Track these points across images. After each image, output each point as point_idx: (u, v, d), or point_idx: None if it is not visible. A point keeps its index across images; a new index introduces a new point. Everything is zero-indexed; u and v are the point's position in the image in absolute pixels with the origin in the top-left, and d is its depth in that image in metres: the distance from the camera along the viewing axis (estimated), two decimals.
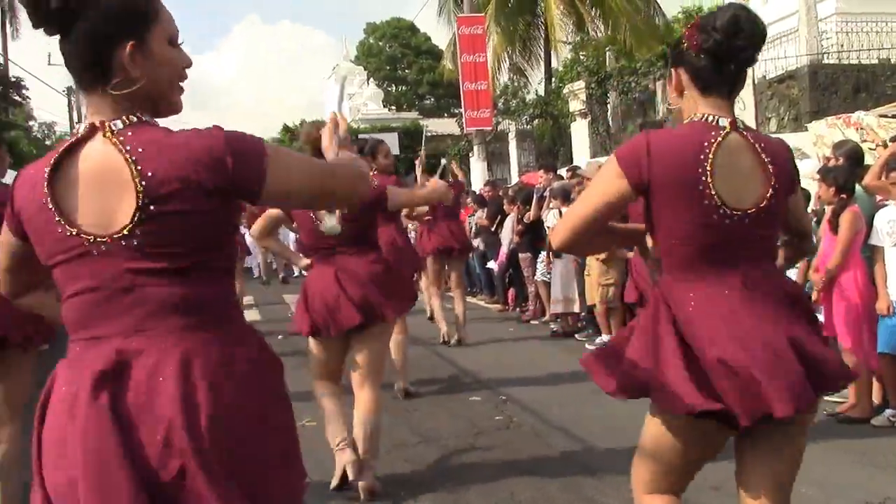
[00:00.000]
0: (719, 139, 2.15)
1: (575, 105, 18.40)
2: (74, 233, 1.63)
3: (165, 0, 1.78)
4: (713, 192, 2.12)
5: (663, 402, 2.14)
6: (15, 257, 1.83)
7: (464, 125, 18.97)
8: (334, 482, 4.22)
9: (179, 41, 1.78)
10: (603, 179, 2.23)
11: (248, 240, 15.37)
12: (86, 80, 1.68)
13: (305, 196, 1.89)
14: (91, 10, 1.61)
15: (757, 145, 2.20)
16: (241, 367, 1.69)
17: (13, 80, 32.80)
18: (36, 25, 1.64)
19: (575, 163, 15.96)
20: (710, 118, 2.21)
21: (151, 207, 1.60)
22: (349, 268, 4.15)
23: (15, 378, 3.64)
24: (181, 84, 1.80)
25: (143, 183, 1.60)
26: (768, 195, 2.17)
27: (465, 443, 5.12)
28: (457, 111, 26.36)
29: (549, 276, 9.26)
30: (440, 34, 32.48)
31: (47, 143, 39.65)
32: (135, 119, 1.67)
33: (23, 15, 34.78)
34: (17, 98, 34.00)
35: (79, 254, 1.64)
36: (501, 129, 21.18)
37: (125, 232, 1.61)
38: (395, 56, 48.81)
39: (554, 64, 24.17)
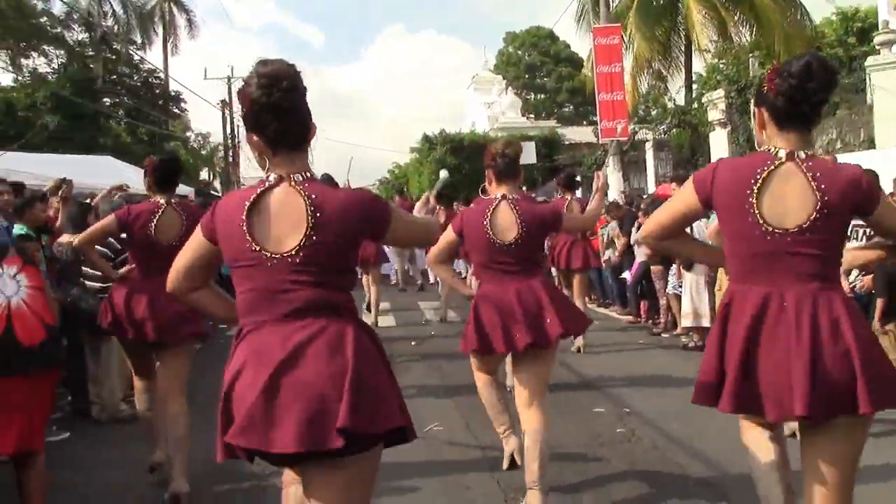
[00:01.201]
0: (772, 167, 2.52)
1: (714, 115, 17.99)
2: (257, 249, 2.31)
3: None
4: (757, 212, 2.50)
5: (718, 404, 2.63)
6: (200, 258, 2.51)
7: (599, 135, 18.86)
8: (505, 465, 4.62)
9: None
10: (681, 194, 2.76)
11: (387, 248, 15.92)
12: (291, 143, 2.38)
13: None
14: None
15: (810, 173, 2.50)
16: (366, 343, 2.38)
17: (172, 94, 34.99)
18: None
19: None
20: (772, 149, 2.58)
21: (314, 237, 2.29)
22: (525, 288, 4.26)
23: (178, 364, 4.64)
24: None
25: (313, 220, 2.29)
26: (812, 217, 2.48)
27: (585, 453, 5.24)
28: (595, 119, 26.23)
29: (680, 288, 9.19)
30: (580, 41, 32.41)
31: (203, 152, 41.95)
32: (308, 174, 2.39)
33: (182, 33, 37.08)
34: (175, 111, 36.21)
35: (255, 263, 2.32)
36: (639, 138, 20.94)
37: (292, 252, 2.30)
38: (533, 64, 48.95)
39: (696, 68, 23.69)
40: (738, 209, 2.55)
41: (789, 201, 2.50)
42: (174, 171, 4.89)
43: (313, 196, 2.31)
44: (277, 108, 2.31)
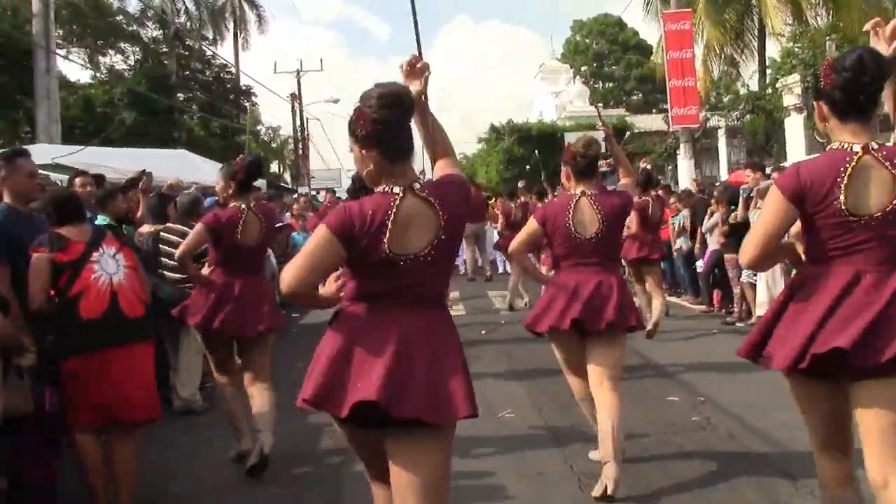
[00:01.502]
0: (853, 163, 2.66)
1: (790, 100, 17.56)
2: (389, 254, 2.53)
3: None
4: (844, 207, 2.64)
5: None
6: (330, 258, 2.58)
7: (670, 122, 18.56)
8: (597, 492, 4.23)
9: None
10: (772, 208, 2.79)
11: None
12: (405, 156, 2.66)
13: None
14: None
15: (887, 162, 2.67)
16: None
17: (243, 88, 35.60)
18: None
19: (789, 160, 15.28)
20: (846, 146, 2.71)
21: (442, 237, 2.60)
22: (605, 281, 4.41)
23: (262, 356, 5.03)
24: None
25: (441, 223, 2.59)
26: (894, 201, 2.64)
27: (660, 441, 5.20)
28: (664, 107, 25.81)
29: (755, 277, 9.02)
30: (649, 28, 31.93)
31: (273, 145, 42.68)
32: (421, 181, 2.66)
33: (252, 28, 37.70)
34: (246, 104, 36.85)
35: (388, 264, 2.54)
36: (711, 125, 20.54)
37: (423, 253, 2.57)
38: (601, 52, 48.41)
39: (770, 53, 23.13)
40: (827, 206, 2.68)
41: (872, 191, 2.66)
42: (256, 175, 5.22)
43: (436, 200, 2.61)
44: (397, 126, 2.59)
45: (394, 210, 2.55)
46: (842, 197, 2.64)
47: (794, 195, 2.72)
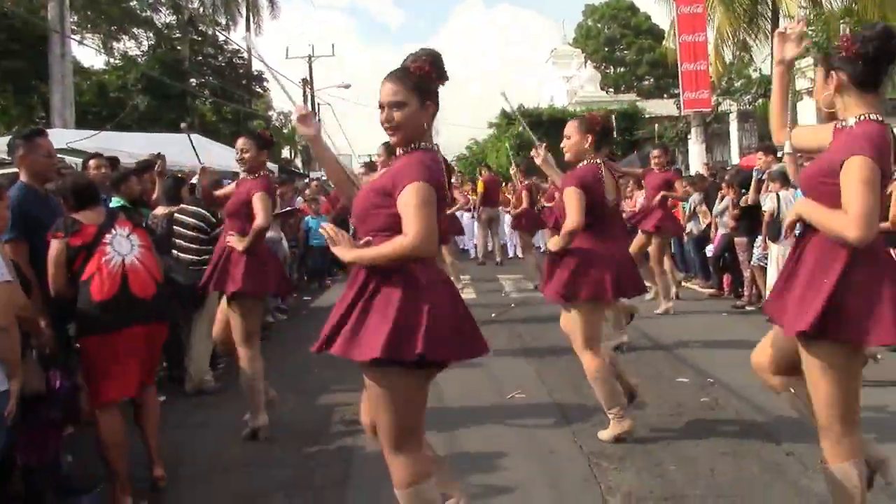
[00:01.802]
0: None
1: (802, 83, 17.46)
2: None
3: None
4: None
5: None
6: None
7: (681, 107, 18.50)
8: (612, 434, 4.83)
9: (379, 100, 2.95)
10: (871, 178, 2.70)
11: (465, 220, 15.96)
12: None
13: None
14: None
15: None
16: None
17: (255, 73, 35.60)
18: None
19: None
20: (874, 117, 2.81)
21: None
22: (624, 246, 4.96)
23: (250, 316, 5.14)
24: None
25: None
26: None
27: (668, 421, 5.24)
28: (676, 92, 25.70)
29: (765, 260, 9.02)
30: (661, 13, 31.74)
31: (284, 131, 42.66)
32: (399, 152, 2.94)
33: (264, 13, 37.65)
34: (258, 90, 36.84)
35: None
36: (722, 109, 20.46)
37: None
38: (613, 37, 48.15)
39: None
40: (887, 172, 2.80)
41: None
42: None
43: None
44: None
45: None
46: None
47: (885, 160, 2.76)
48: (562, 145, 4.95)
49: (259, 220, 5.02)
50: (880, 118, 2.80)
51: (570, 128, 4.88)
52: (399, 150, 2.96)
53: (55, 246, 4.17)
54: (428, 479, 2.94)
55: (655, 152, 10.05)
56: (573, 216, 4.65)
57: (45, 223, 4.31)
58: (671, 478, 4.26)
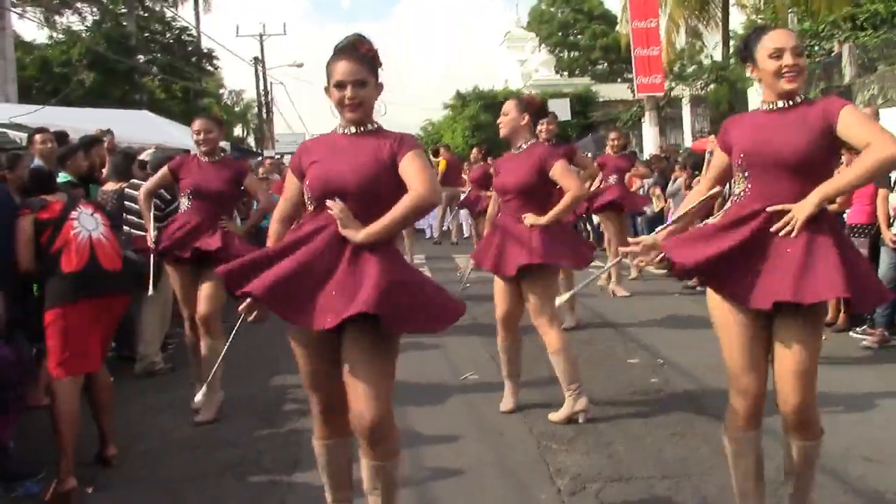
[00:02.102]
0: None
1: None
2: None
3: None
4: None
5: None
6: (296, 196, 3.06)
7: (635, 91, 18.64)
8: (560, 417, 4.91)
9: (339, 78, 2.94)
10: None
11: None
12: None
13: None
14: None
15: None
16: None
17: (205, 51, 35.01)
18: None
19: None
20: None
21: None
22: None
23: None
24: (343, 109, 2.97)
25: None
26: None
27: (618, 402, 5.29)
28: (629, 76, 25.86)
29: None
30: None
31: (236, 109, 42.13)
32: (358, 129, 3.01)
33: None
34: (209, 68, 36.23)
35: None
36: (675, 94, 20.68)
37: None
38: (567, 21, 48.20)
39: (733, 25, 23.25)
40: None
41: None
42: None
43: None
44: None
45: None
46: None
47: None
48: (498, 121, 5.10)
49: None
50: None
51: (509, 105, 5.04)
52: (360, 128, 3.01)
53: (25, 221, 4.29)
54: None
55: (613, 135, 10.11)
56: (575, 183, 4.90)
57: None
58: (620, 458, 4.30)
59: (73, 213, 4.38)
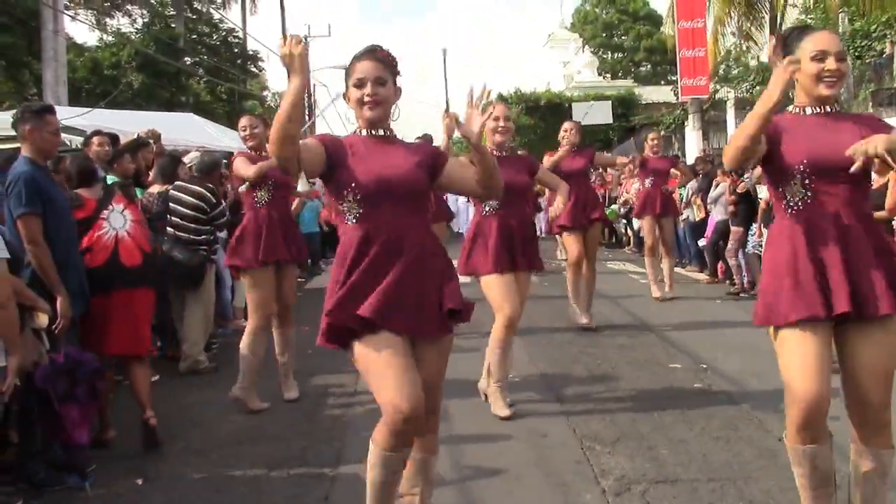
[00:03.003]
0: None
1: None
2: None
3: None
4: None
5: None
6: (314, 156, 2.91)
7: (679, 93, 18.45)
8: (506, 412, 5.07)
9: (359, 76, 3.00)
10: None
11: (461, 203, 15.90)
12: None
13: None
14: None
15: None
16: None
17: (251, 53, 35.38)
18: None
19: None
20: None
21: None
22: None
23: None
24: (363, 107, 2.99)
25: None
26: None
27: (662, 405, 5.26)
28: (673, 78, 25.64)
29: (761, 248, 9.04)
30: None
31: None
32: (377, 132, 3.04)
33: None
34: (253, 70, 36.58)
35: None
36: (719, 96, 20.43)
37: None
38: (611, 22, 47.91)
39: (784, 26, 22.93)
40: None
41: None
42: None
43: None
44: None
45: None
46: None
47: None
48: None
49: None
50: None
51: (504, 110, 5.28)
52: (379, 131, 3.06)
53: None
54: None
55: (651, 135, 10.04)
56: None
57: (55, 199, 4.42)
58: (664, 461, 4.27)
59: (104, 213, 4.73)
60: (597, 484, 4.01)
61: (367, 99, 2.97)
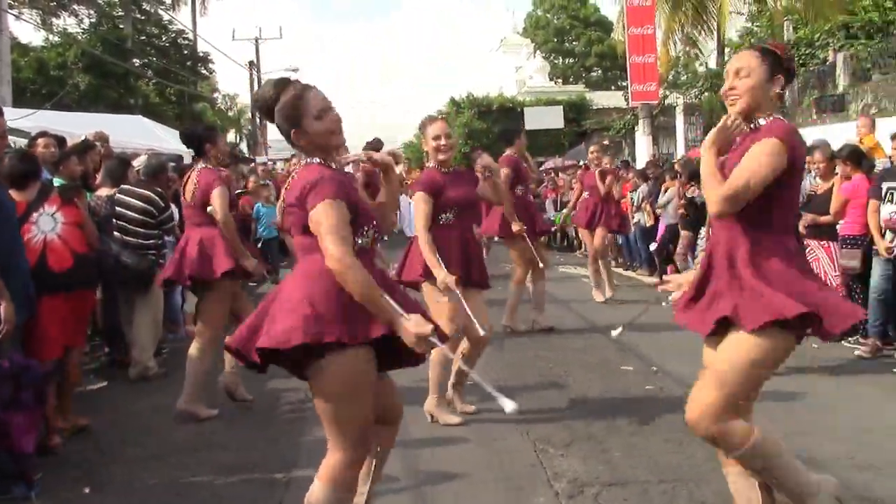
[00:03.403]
0: None
1: None
2: None
3: None
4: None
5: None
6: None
7: (629, 99, 18.69)
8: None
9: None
10: (771, 158, 2.85)
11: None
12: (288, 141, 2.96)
13: None
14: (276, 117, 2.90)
15: None
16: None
17: (200, 54, 34.97)
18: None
19: None
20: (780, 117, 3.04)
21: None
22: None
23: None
24: (334, 133, 2.90)
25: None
26: None
27: (614, 408, 5.32)
28: (624, 84, 25.95)
29: None
30: (609, 4, 32.01)
31: (230, 114, 42.02)
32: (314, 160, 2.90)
33: None
34: (203, 72, 36.15)
35: None
36: (668, 102, 20.74)
37: None
38: (562, 28, 48.35)
39: (729, 34, 23.36)
40: (799, 177, 3.04)
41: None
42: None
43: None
44: None
45: None
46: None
47: (791, 161, 2.88)
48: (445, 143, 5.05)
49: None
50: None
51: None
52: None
53: None
54: None
55: (593, 147, 10.06)
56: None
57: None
58: (616, 463, 4.32)
59: (34, 216, 4.66)
60: (550, 487, 4.04)
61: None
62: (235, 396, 5.48)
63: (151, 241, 6.50)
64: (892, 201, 6.47)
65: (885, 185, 6.52)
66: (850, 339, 6.95)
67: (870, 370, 6.27)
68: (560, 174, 16.69)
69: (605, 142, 10.83)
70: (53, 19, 30.43)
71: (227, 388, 5.46)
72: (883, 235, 6.51)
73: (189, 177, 5.42)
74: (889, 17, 16.03)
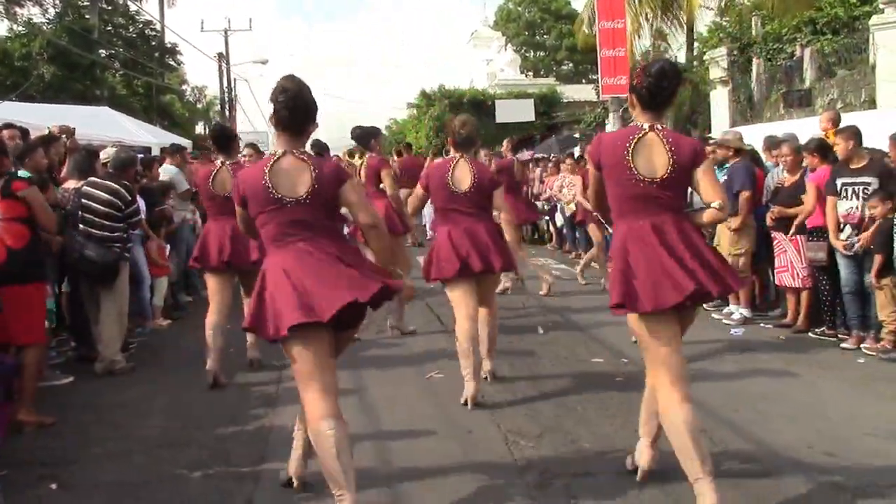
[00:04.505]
0: (639, 136, 3.52)
1: (716, 72, 17.91)
2: (279, 196, 3.38)
3: None
4: (633, 167, 3.48)
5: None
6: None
7: (600, 92, 18.76)
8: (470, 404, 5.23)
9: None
10: (590, 170, 3.78)
11: None
12: (295, 129, 3.48)
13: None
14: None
15: (665, 140, 3.50)
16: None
17: (168, 46, 34.58)
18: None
19: (714, 131, 15.62)
20: (639, 124, 3.58)
21: (316, 187, 3.40)
22: (474, 228, 5.42)
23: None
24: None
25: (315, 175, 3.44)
26: (669, 170, 3.46)
27: (584, 400, 5.35)
28: (594, 77, 26.06)
29: None
30: None
31: (198, 105, 41.60)
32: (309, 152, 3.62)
33: None
34: (171, 63, 35.75)
35: (277, 207, 3.39)
36: None
37: (303, 196, 3.38)
38: (533, 21, 48.44)
39: (698, 28, 23.52)
40: (620, 165, 3.52)
41: (654, 160, 3.48)
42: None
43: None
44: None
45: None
46: (630, 159, 3.46)
47: (593, 158, 3.63)
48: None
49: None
50: (641, 124, 3.55)
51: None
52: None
53: None
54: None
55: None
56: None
57: None
58: (586, 454, 4.35)
59: None
60: (520, 477, 4.05)
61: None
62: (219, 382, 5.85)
63: (117, 234, 6.40)
64: (847, 197, 6.56)
65: (839, 182, 6.61)
66: (815, 330, 7.05)
67: (830, 359, 6.36)
68: (530, 165, 16.70)
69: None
70: (17, 9, 29.92)
71: (216, 375, 5.81)
72: (841, 230, 6.59)
73: (218, 171, 6.09)
74: (854, 13, 16.20)
